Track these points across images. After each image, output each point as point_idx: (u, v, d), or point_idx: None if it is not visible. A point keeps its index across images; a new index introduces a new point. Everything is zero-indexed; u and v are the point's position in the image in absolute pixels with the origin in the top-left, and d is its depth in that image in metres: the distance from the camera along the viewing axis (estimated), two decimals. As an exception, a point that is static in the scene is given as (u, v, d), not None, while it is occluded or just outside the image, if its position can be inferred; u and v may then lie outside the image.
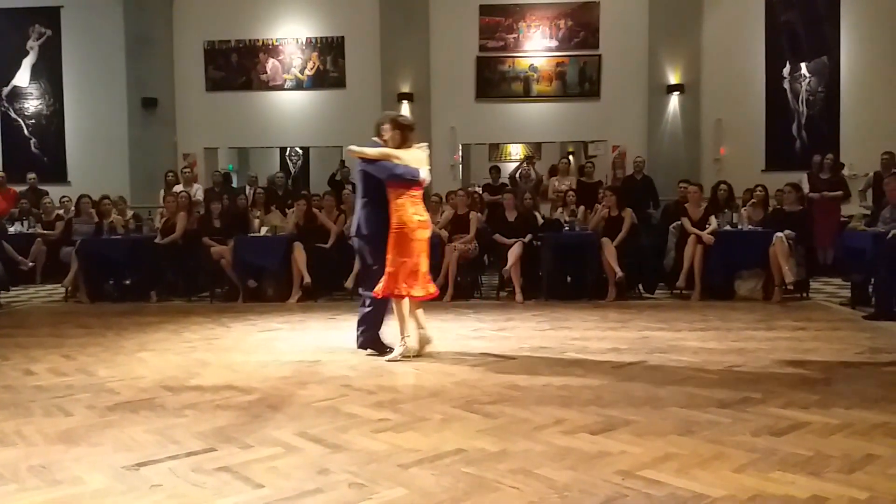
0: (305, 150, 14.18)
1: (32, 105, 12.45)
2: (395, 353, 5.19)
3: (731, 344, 5.65)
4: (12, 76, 12.41)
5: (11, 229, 9.85)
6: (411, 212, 5.10)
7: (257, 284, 8.51)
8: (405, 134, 5.25)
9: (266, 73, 12.09)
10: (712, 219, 8.14)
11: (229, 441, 3.47)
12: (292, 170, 14.51)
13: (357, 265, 6.16)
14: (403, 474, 3.03)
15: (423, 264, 5.22)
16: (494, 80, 11.74)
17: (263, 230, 8.66)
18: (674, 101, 11.45)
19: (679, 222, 8.37)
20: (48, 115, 12.39)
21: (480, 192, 10.75)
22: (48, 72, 12.37)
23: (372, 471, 3.07)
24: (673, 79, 11.41)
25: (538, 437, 3.45)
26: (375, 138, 5.29)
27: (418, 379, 4.65)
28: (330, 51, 11.98)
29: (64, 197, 10.96)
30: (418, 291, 5.18)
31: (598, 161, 11.77)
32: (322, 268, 8.46)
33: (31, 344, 6.00)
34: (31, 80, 12.42)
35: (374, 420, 3.77)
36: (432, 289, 5.34)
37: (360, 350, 5.41)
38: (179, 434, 3.58)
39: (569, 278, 8.51)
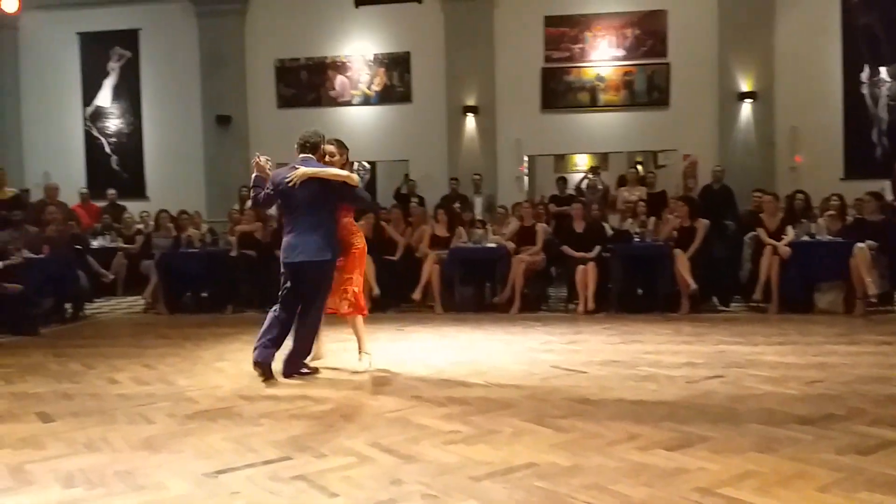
0: (372, 164, 14.35)
1: (114, 124, 12.99)
2: (365, 364, 5.32)
3: (811, 359, 5.45)
4: (95, 97, 12.98)
5: (94, 243, 10.27)
6: (358, 232, 5.36)
7: (327, 296, 8.64)
8: (347, 155, 5.35)
9: (335, 89, 12.32)
10: (789, 229, 7.88)
11: (304, 450, 3.53)
12: (360, 184, 14.70)
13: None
14: (475, 487, 3.03)
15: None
16: (560, 91, 11.67)
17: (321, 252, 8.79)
18: (746, 108, 11.16)
19: (754, 233, 8.14)
20: (128, 133, 12.90)
21: (547, 204, 10.68)
22: (128, 92, 12.90)
23: (444, 482, 3.08)
24: (745, 86, 11.13)
25: (612, 453, 3.40)
26: (307, 155, 5.08)
27: (488, 392, 4.63)
28: (396, 66, 12.13)
29: (143, 212, 11.39)
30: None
31: (667, 171, 11.55)
32: (390, 280, 8.53)
33: (114, 354, 6.24)
34: (112, 100, 12.96)
35: (444, 432, 3.78)
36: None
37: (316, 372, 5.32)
38: (256, 442, 3.66)
39: (640, 291, 8.36)
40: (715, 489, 2.93)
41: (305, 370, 5.22)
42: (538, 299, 8.55)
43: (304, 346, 5.19)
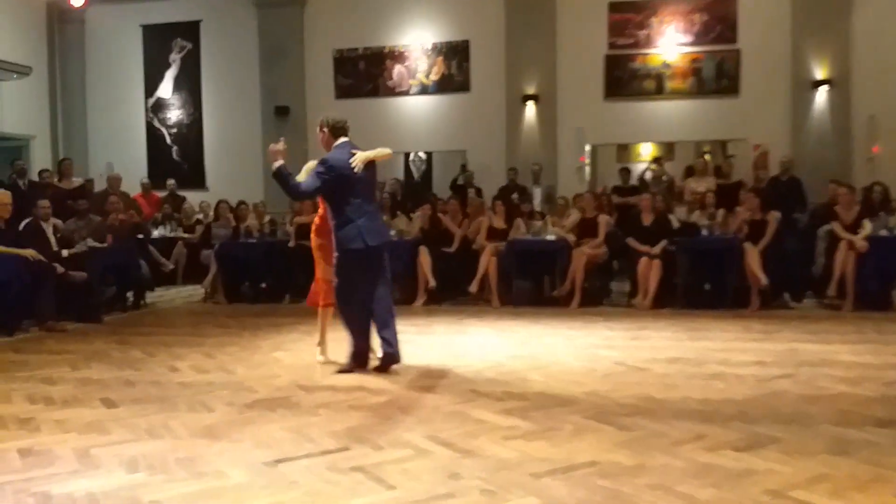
0: (428, 154, 14.31)
1: (174, 115, 13.24)
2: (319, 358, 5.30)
3: (889, 358, 5.19)
4: (156, 88, 13.24)
5: (155, 233, 10.51)
6: None
7: (384, 287, 8.63)
8: None
9: (392, 79, 12.29)
10: (866, 222, 7.52)
11: (362, 441, 3.50)
12: (415, 174, 14.67)
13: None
14: (535, 484, 2.95)
15: None
16: (624, 79, 11.40)
17: (390, 234, 8.77)
18: (821, 96, 10.71)
19: (829, 226, 7.79)
20: (188, 124, 13.12)
21: (609, 195, 10.45)
22: (188, 83, 13.11)
23: (503, 478, 3.01)
24: (819, 73, 10.68)
25: (677, 453, 3.28)
26: (348, 138, 5.02)
27: (547, 387, 4.53)
28: (455, 55, 12.04)
29: (203, 202, 11.58)
30: None
31: (736, 161, 11.17)
32: (446, 272, 8.47)
33: (175, 342, 6.34)
34: (173, 91, 13.20)
35: (503, 427, 3.70)
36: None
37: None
38: (314, 432, 3.65)
39: (707, 286, 8.10)
40: (786, 492, 2.81)
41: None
42: (599, 293, 8.36)
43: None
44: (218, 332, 6.77)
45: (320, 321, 5.30)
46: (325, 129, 4.91)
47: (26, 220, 7.48)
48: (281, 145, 4.81)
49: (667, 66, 11.28)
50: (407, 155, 14.34)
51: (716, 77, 11.14)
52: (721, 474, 3.00)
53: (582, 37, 11.44)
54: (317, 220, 5.23)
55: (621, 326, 6.75)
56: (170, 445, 3.52)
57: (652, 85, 11.35)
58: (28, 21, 12.62)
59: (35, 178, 9.92)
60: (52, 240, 7.45)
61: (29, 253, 6.89)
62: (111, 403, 4.30)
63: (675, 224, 8.35)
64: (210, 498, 2.86)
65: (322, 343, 5.33)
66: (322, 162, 4.79)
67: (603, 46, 11.43)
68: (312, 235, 5.27)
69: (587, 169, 11.97)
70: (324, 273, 5.10)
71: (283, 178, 4.74)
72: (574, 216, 8.64)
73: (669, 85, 11.31)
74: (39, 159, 12.20)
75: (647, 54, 11.34)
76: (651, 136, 12.15)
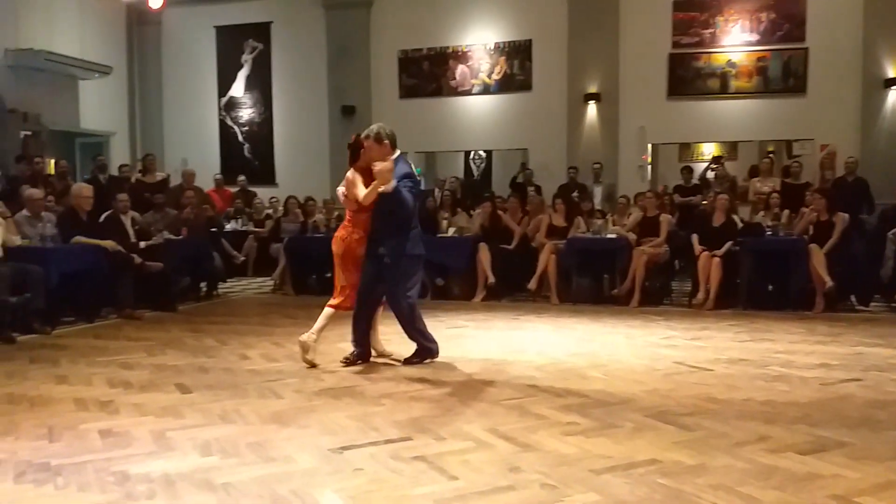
0: (488, 152, 14.38)
1: (246, 114, 13.64)
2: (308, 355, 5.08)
3: (963, 365, 5.03)
4: (229, 87, 13.67)
5: (227, 226, 10.87)
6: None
7: (444, 283, 8.76)
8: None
9: (455, 78, 12.40)
10: (939, 225, 7.27)
11: (424, 432, 3.60)
12: (475, 172, 14.76)
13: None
14: (595, 480, 2.99)
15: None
16: (688, 78, 11.25)
17: (451, 231, 8.90)
18: (893, 96, 10.37)
19: (899, 229, 7.56)
20: (259, 122, 13.50)
21: (671, 194, 10.34)
22: (260, 82, 13.49)
23: (563, 473, 3.06)
24: (892, 71, 10.34)
25: (740, 454, 3.27)
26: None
27: (607, 385, 4.55)
28: (517, 54, 12.07)
29: (272, 198, 11.91)
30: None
31: (803, 161, 10.90)
32: (506, 268, 8.53)
33: (245, 331, 6.57)
34: (245, 90, 13.61)
35: (562, 423, 3.75)
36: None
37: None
38: (378, 421, 3.76)
39: (770, 287, 7.95)
40: (853, 497, 2.78)
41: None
42: (660, 292, 8.30)
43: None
44: (286, 323, 6.97)
45: (328, 320, 5.11)
46: (387, 142, 4.95)
47: (106, 213, 7.84)
48: (390, 164, 4.79)
49: (732, 64, 11.09)
50: (467, 153, 14.45)
51: (782, 76, 10.90)
52: (785, 477, 2.98)
53: (645, 36, 11.35)
54: (350, 229, 5.10)
55: (682, 326, 6.70)
56: (241, 430, 3.67)
57: (716, 84, 11.18)
58: (109, 23, 13.18)
59: (115, 172, 10.36)
60: (131, 232, 7.79)
61: (108, 244, 7.22)
62: (185, 389, 4.51)
63: (739, 224, 8.22)
64: (279, 482, 2.99)
65: (316, 339, 5.09)
66: (407, 176, 4.92)
67: (667, 45, 11.31)
68: (343, 244, 5.08)
69: (649, 168, 11.86)
70: (350, 279, 5.09)
71: (401, 195, 4.83)
72: (635, 215, 8.60)
73: (734, 84, 11.12)
74: (118, 155, 12.74)
75: (711, 53, 11.17)
76: (714, 135, 11.97)
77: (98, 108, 12.76)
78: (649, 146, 11.75)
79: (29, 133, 11.24)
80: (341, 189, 5.16)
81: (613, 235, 8.23)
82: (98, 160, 10.26)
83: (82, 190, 7.61)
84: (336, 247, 5.11)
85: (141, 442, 3.49)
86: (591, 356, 5.42)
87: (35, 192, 7.36)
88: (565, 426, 3.69)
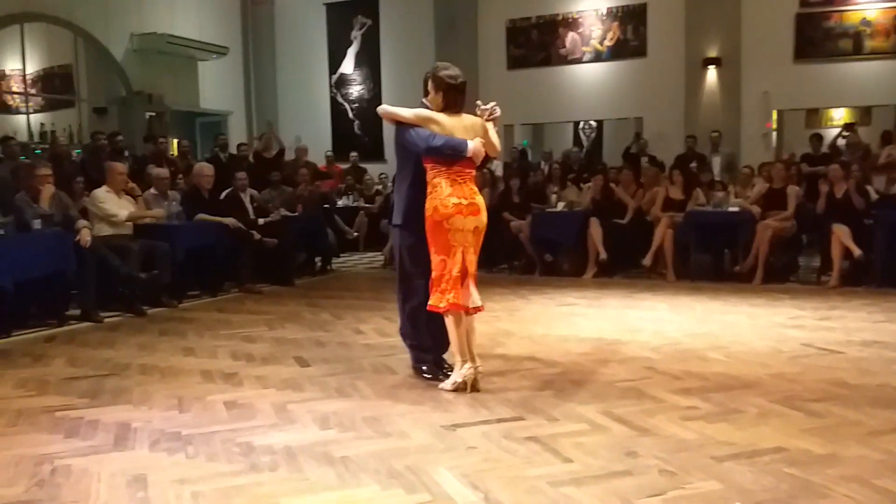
0: (599, 123, 14.02)
1: (355, 90, 13.87)
2: (448, 383, 3.99)
3: None
4: (339, 64, 13.92)
5: (339, 203, 11.14)
6: (446, 193, 3.86)
7: (553, 259, 8.64)
8: (450, 97, 4.03)
9: (565, 47, 12.11)
10: None
11: (536, 412, 3.56)
12: (585, 143, 14.45)
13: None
14: (717, 467, 2.87)
15: (470, 263, 3.92)
16: (817, 39, 10.53)
17: (560, 205, 8.74)
18: None
19: None
20: (368, 98, 13.69)
21: (798, 163, 9.75)
22: (368, 58, 13.66)
23: (682, 459, 2.95)
24: None
25: (875, 444, 3.07)
26: (425, 100, 4.15)
27: (728, 368, 4.35)
28: (631, 19, 11.64)
29: (382, 174, 12.09)
30: (466, 301, 3.90)
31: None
32: (618, 244, 8.31)
33: (359, 306, 6.73)
34: (354, 67, 13.83)
35: (681, 407, 3.61)
36: (470, 301, 3.93)
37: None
38: (489, 400, 3.75)
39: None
40: None
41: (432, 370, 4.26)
42: (786, 269, 7.84)
43: (405, 331, 4.37)
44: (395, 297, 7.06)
45: (449, 332, 4.00)
46: None
47: (227, 191, 8.18)
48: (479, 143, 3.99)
49: (867, 23, 10.28)
50: (576, 124, 14.14)
51: (924, 33, 10.02)
52: (927, 471, 2.77)
53: (770, -5, 10.69)
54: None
55: (810, 305, 6.32)
56: (357, 405, 3.75)
57: (848, 45, 10.41)
58: (225, 5, 13.69)
59: (233, 151, 10.81)
60: (250, 209, 8.10)
61: (229, 221, 7.54)
62: (304, 362, 4.66)
63: (874, 195, 7.64)
64: (395, 457, 3.03)
65: (461, 358, 3.95)
66: None
67: (793, 5, 10.65)
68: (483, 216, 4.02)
69: (773, 135, 11.22)
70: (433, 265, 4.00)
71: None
72: (759, 186, 8.13)
73: (869, 44, 10.33)
74: (236, 134, 13.26)
75: (843, 11, 10.41)
76: (846, 99, 11.18)
77: (216, 87, 13.33)
78: (774, 113, 11.11)
79: (153, 114, 11.90)
80: (479, 142, 3.98)
81: (736, 208, 7.84)
82: (220, 139, 10.72)
83: (204, 169, 7.97)
84: (485, 218, 4.01)
85: (264, 414, 3.62)
86: (711, 337, 5.20)
87: (161, 172, 7.76)
88: (684, 410, 3.56)
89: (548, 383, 4.07)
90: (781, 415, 3.48)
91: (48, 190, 6.19)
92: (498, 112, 4.15)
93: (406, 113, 4.04)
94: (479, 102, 4.18)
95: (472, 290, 3.93)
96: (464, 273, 3.88)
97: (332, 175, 12.11)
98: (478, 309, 3.96)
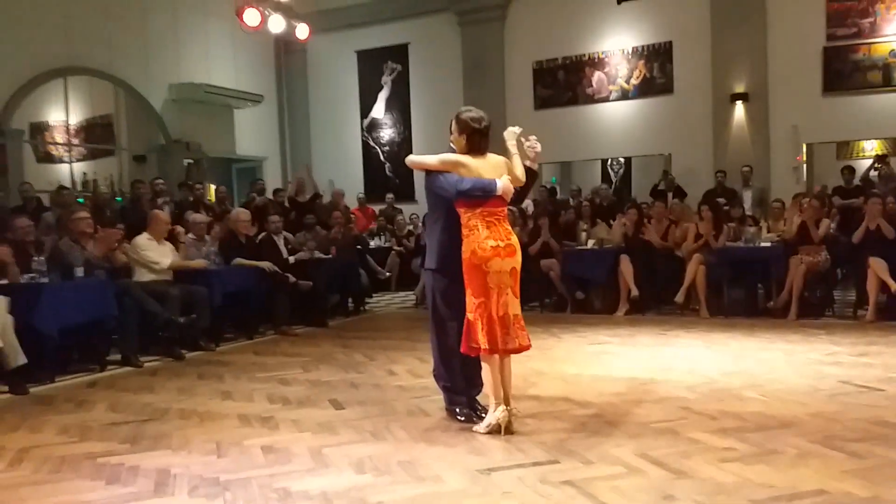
0: (627, 159, 14.06)
1: (386, 134, 14.11)
2: (482, 425, 3.98)
3: None
4: (370, 109, 14.19)
5: (372, 243, 11.26)
6: (483, 235, 3.89)
7: (584, 296, 8.62)
8: (474, 140, 4.06)
9: (592, 86, 12.23)
10: None
11: (571, 455, 3.54)
12: (613, 179, 14.48)
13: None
14: (756, 511, 2.83)
15: (512, 305, 3.95)
16: (846, 71, 10.49)
17: (590, 243, 8.75)
18: None
19: None
20: (399, 141, 13.92)
21: (830, 196, 9.66)
22: (398, 102, 13.91)
23: (721, 503, 2.91)
24: None
25: (920, 486, 3.00)
26: (452, 143, 4.18)
27: (766, 407, 4.30)
28: (657, 57, 11.73)
29: (413, 214, 12.22)
30: (499, 344, 3.89)
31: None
32: (650, 280, 8.27)
33: (391, 346, 6.78)
34: (385, 111, 14.09)
35: (718, 448, 3.58)
36: (524, 340, 3.97)
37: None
38: (524, 443, 3.75)
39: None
40: None
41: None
42: (821, 304, 7.74)
43: (439, 373, 4.36)
44: (429, 338, 7.07)
45: (483, 373, 4.07)
46: None
47: (261, 234, 8.35)
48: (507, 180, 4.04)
49: (895, 55, 10.22)
50: (604, 161, 14.19)
51: (953, 64, 9.93)
52: (975, 515, 2.72)
53: (796, 29, 10.72)
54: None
55: (847, 341, 6.23)
56: (392, 448, 3.77)
57: (877, 77, 10.36)
58: (259, 54, 14.06)
59: (270, 196, 11.03)
60: (284, 251, 8.24)
61: (266, 265, 7.68)
62: (338, 405, 4.70)
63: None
64: (431, 502, 3.04)
65: (495, 400, 3.95)
66: None
67: (820, 38, 10.63)
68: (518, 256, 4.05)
69: (804, 168, 11.15)
70: (468, 307, 4.01)
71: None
72: (796, 220, 8.05)
73: (898, 76, 10.26)
74: (271, 178, 13.52)
75: (871, 44, 10.36)
76: (877, 131, 11.09)
77: (252, 134, 13.65)
78: (804, 146, 11.04)
79: (191, 161, 12.20)
80: (507, 179, 4.01)
81: (768, 243, 7.78)
82: (258, 185, 10.99)
83: (240, 215, 8.15)
84: (520, 258, 4.05)
85: (300, 458, 3.66)
86: (747, 375, 5.15)
87: (199, 217, 7.95)
88: (721, 452, 3.52)
89: (582, 425, 4.06)
90: (821, 456, 3.42)
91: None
92: (538, 147, 4.24)
93: (432, 160, 4.10)
94: (515, 129, 4.19)
95: (517, 330, 3.94)
96: (503, 315, 3.91)
97: (363, 217, 12.30)
98: (523, 348, 3.97)
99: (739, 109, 11.07)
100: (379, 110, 14.09)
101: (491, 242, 3.89)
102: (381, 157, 14.12)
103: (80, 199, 9.95)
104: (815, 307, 7.64)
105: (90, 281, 6.16)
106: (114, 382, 5.73)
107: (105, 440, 4.11)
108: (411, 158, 4.33)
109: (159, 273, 6.89)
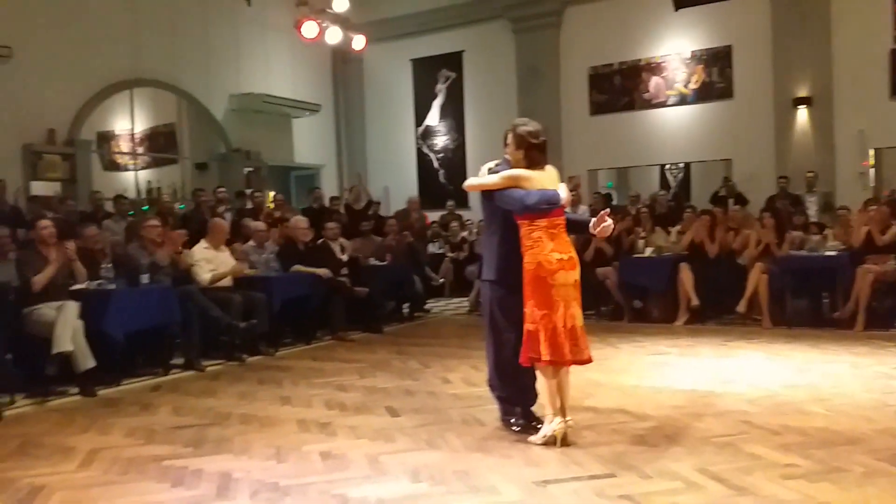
0: (686, 164, 13.81)
1: (441, 141, 14.18)
2: (538, 436, 3.99)
3: None
4: (425, 117, 14.29)
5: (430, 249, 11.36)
6: (549, 248, 3.90)
7: (642, 305, 8.51)
8: (532, 155, 4.06)
9: (649, 91, 12.07)
10: None
11: (628, 469, 3.51)
12: (672, 185, 14.23)
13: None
14: (821, 531, 2.76)
15: (576, 317, 3.96)
16: (915, 74, 10.15)
17: (648, 250, 8.62)
18: None
19: None
20: (453, 148, 13.98)
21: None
22: (453, 110, 13.97)
23: (783, 522, 2.85)
24: None
25: None
26: (507, 155, 4.20)
27: (830, 422, 4.18)
28: (716, 62, 11.52)
29: (467, 220, 12.24)
30: (567, 355, 3.91)
31: None
32: (710, 288, 8.10)
33: (446, 353, 6.81)
34: (439, 119, 14.16)
35: (780, 464, 3.50)
36: (585, 354, 3.99)
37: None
38: (580, 455, 3.73)
39: None
40: None
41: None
42: (889, 315, 7.46)
43: (493, 384, 4.36)
44: (483, 346, 7.07)
45: (542, 385, 4.04)
46: None
47: (319, 241, 8.48)
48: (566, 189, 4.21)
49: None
50: (662, 167, 13.98)
51: None
52: None
53: (862, 31, 10.41)
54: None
55: (919, 354, 6.01)
56: (447, 457, 3.79)
57: (949, 78, 9.96)
58: (316, 64, 14.30)
59: (327, 203, 11.21)
60: (340, 258, 8.36)
61: (322, 272, 7.81)
62: (394, 412, 4.74)
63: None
64: (487, 512, 3.05)
65: (552, 412, 3.94)
66: None
67: (887, 40, 10.31)
68: (579, 268, 4.09)
69: (871, 173, 10.79)
70: (529, 318, 4.00)
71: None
72: (859, 228, 7.81)
73: (977, 75, 9.85)
74: (328, 186, 13.74)
75: (945, 43, 9.98)
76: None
77: (309, 142, 13.87)
78: (871, 151, 10.69)
79: (251, 169, 12.48)
80: (565, 189, 4.15)
81: (833, 252, 7.56)
82: (317, 193, 11.19)
83: (298, 222, 8.32)
84: (580, 270, 4.09)
85: (357, 465, 3.71)
86: (811, 388, 5.01)
87: (259, 224, 8.13)
88: (784, 468, 3.44)
89: (640, 438, 4.01)
90: (889, 475, 3.32)
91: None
92: (610, 225, 4.14)
93: (493, 180, 4.09)
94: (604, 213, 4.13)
95: (584, 341, 3.96)
96: (571, 327, 3.92)
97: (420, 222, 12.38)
98: (588, 360, 3.99)
99: (802, 114, 10.79)
100: (433, 118, 14.18)
101: (556, 255, 3.90)
102: (436, 164, 14.20)
103: (145, 207, 10.32)
104: (884, 318, 7.36)
105: (155, 287, 6.36)
106: (177, 386, 5.90)
107: (169, 443, 4.24)
108: (470, 182, 4.31)
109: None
